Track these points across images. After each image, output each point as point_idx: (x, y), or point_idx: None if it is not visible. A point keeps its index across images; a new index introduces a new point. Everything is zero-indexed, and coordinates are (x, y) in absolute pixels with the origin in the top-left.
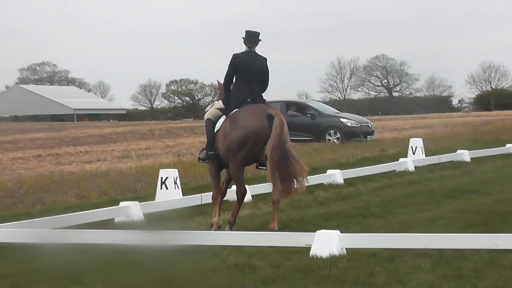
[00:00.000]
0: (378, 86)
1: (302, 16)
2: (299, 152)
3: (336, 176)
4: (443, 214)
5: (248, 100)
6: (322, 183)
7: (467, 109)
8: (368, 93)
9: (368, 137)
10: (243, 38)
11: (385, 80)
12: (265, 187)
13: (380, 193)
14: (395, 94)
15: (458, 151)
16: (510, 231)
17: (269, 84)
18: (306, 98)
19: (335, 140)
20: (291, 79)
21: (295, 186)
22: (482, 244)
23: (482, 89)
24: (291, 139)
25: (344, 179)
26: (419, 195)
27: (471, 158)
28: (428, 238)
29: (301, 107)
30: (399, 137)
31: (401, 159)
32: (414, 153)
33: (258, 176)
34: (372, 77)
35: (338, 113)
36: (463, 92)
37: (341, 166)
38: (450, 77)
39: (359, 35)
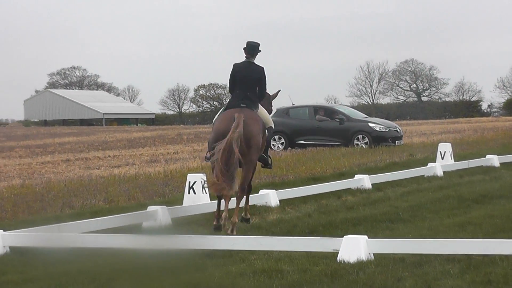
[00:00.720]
0: (407, 90)
1: (331, 20)
2: (327, 156)
3: (364, 181)
4: (472, 219)
5: (242, 105)
6: (350, 188)
7: (496, 113)
8: (397, 98)
9: (396, 142)
10: (244, 48)
11: (414, 85)
12: (293, 192)
13: (409, 198)
14: (424, 98)
15: (488, 156)
16: None
17: (266, 90)
18: (335, 103)
19: (363, 145)
20: (319, 84)
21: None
22: (511, 250)
23: None
24: (320, 144)
25: (372, 184)
26: (447, 200)
27: (500, 163)
28: (456, 244)
29: (329, 112)
30: (428, 142)
31: (429, 164)
32: (442, 158)
33: (286, 181)
34: (401, 82)
35: (366, 117)
36: (492, 96)
37: (369, 171)
38: (480, 82)
39: (388, 39)
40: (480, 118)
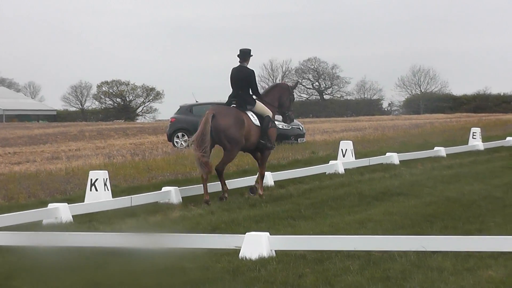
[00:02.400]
0: (310, 88)
1: (235, 18)
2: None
3: (266, 178)
4: (372, 216)
5: (233, 102)
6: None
7: (397, 112)
8: (300, 96)
9: (299, 139)
10: (237, 55)
11: (317, 83)
12: (197, 189)
13: (311, 196)
14: (326, 97)
15: (388, 154)
16: (437, 233)
17: (258, 89)
18: None
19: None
20: (222, 82)
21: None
22: (409, 246)
23: (411, 92)
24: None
25: (275, 181)
26: (348, 198)
27: (400, 161)
28: (356, 240)
29: None
30: (330, 139)
31: (331, 162)
32: (344, 156)
33: (189, 178)
34: (304, 80)
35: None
36: (393, 95)
37: (272, 168)
38: (381, 81)
39: (292, 37)
40: (381, 117)
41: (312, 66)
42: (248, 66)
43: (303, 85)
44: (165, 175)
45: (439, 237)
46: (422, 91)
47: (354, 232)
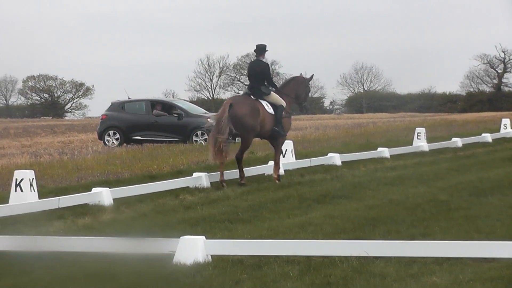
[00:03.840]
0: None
1: (169, 10)
2: (165, 153)
3: (203, 179)
4: (313, 219)
5: (249, 93)
6: (188, 187)
7: (339, 111)
8: (238, 93)
9: (237, 138)
10: (254, 50)
11: None
12: (129, 190)
13: (249, 197)
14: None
15: (329, 155)
16: (379, 237)
17: (273, 81)
18: (173, 97)
19: (202, 141)
20: (157, 77)
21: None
22: (351, 251)
23: (354, 90)
24: (157, 140)
25: (211, 182)
26: (288, 200)
27: (342, 162)
28: (296, 245)
29: (167, 107)
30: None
31: (270, 162)
32: (284, 156)
33: (121, 179)
34: (242, 76)
35: (206, 113)
36: (335, 93)
37: (209, 169)
38: (322, 78)
39: (229, 31)
40: (322, 116)
41: None
42: (263, 59)
43: (241, 82)
44: (96, 175)
45: (382, 242)
46: (365, 89)
47: (294, 236)
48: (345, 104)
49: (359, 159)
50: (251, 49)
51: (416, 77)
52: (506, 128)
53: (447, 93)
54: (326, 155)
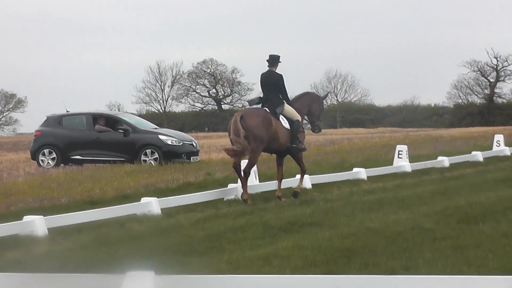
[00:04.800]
0: (205, 96)
1: (111, 9)
2: (109, 175)
3: (152, 205)
4: (279, 251)
5: (265, 106)
6: (136, 214)
7: (309, 126)
8: (193, 105)
9: (192, 158)
10: (266, 60)
11: (214, 90)
12: (66, 218)
13: (205, 226)
14: (225, 106)
15: (298, 176)
16: (355, 271)
17: (287, 93)
18: (118, 111)
19: (152, 161)
20: (100, 87)
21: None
22: (323, 287)
23: (327, 102)
24: (99, 159)
25: (162, 209)
26: (251, 228)
27: (312, 184)
28: (259, 280)
29: (111, 121)
30: (229, 158)
31: (230, 185)
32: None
33: (57, 205)
34: (198, 86)
35: (156, 128)
36: None
37: (159, 193)
38: (290, 87)
39: (184, 34)
40: None
41: (208, 70)
42: (276, 71)
43: (197, 92)
44: (28, 201)
45: (358, 277)
46: (339, 100)
47: (257, 270)
48: None
49: (332, 181)
50: (208, 54)
51: (397, 86)
52: (499, 145)
53: (432, 105)
54: (294, 176)
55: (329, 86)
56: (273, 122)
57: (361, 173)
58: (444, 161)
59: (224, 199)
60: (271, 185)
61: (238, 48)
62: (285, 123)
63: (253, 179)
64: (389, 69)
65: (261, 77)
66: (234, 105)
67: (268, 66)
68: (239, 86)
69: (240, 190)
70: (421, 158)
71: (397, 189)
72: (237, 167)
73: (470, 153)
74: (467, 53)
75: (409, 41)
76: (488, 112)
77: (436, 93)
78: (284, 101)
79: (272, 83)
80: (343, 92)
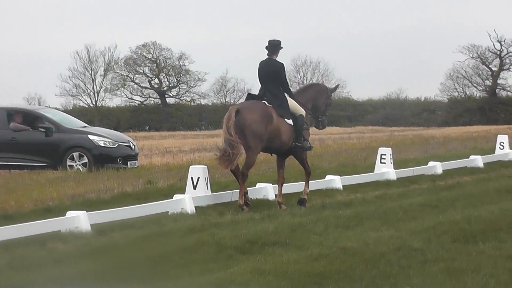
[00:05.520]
0: (146, 88)
1: None
2: (27, 184)
3: (80, 220)
4: (235, 276)
5: (264, 98)
6: (60, 231)
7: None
8: (131, 99)
9: (129, 162)
10: (266, 47)
11: (156, 80)
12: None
13: (146, 246)
14: (170, 100)
15: (259, 185)
16: None
17: (288, 85)
18: (39, 105)
19: (80, 167)
20: (17, 77)
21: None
22: None
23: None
24: (15, 164)
25: (92, 225)
26: (201, 249)
27: (275, 195)
28: None
29: (30, 118)
30: (175, 163)
31: (176, 196)
32: (195, 187)
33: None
34: (137, 75)
35: (86, 127)
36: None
37: (89, 205)
38: (249, 78)
39: (119, 13)
40: None
41: (150, 55)
42: (277, 59)
43: (136, 83)
44: None
45: None
46: None
47: None
48: None
49: (299, 190)
50: (150, 36)
51: (379, 76)
52: (503, 148)
53: (422, 98)
54: (255, 185)
55: (297, 76)
56: (274, 117)
57: (335, 181)
58: (436, 167)
59: (169, 213)
60: (226, 195)
61: (187, 29)
62: (288, 119)
63: (203, 188)
64: (370, 56)
65: (259, 66)
66: (182, 98)
67: (267, 54)
68: (188, 76)
69: (190, 202)
70: (409, 164)
71: (379, 200)
72: (236, 171)
73: (468, 157)
74: (465, 37)
75: (395, 22)
76: (489, 108)
77: (427, 84)
78: (285, 94)
79: (273, 72)
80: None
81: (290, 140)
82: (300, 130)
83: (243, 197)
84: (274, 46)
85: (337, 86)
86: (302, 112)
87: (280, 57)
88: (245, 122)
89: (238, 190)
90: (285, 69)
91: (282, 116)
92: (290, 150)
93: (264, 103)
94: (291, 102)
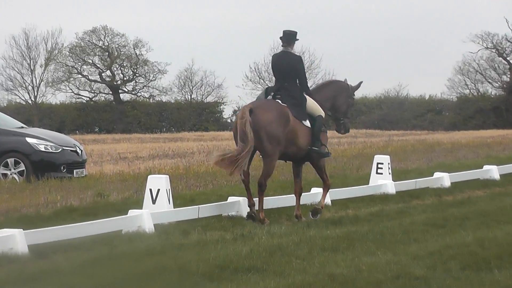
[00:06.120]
0: (96, 81)
1: None
2: None
3: (16, 239)
4: None
5: (277, 96)
6: None
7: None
8: (78, 94)
9: (75, 171)
10: (280, 37)
11: (108, 72)
12: None
13: (95, 272)
14: (125, 97)
15: (231, 199)
16: None
17: (307, 81)
18: None
19: (16, 176)
20: None
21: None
22: None
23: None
24: None
25: (29, 246)
26: (162, 275)
27: (257, 210)
28: None
29: None
30: (130, 172)
31: (132, 212)
32: (154, 202)
33: None
34: (85, 66)
35: (23, 128)
36: (241, 96)
37: (27, 223)
38: (220, 70)
39: None
40: (219, 133)
41: (100, 43)
42: (293, 51)
43: (83, 75)
44: None
45: None
46: None
47: None
48: None
49: (280, 206)
50: (100, 20)
51: (376, 70)
52: None
53: (427, 97)
54: (226, 199)
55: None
56: (290, 118)
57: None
58: (443, 178)
59: (123, 232)
60: (192, 211)
61: (144, 12)
62: (306, 121)
63: (164, 203)
64: (364, 46)
65: (272, 59)
66: (139, 94)
67: (282, 46)
68: (146, 67)
69: (148, 219)
70: (410, 175)
71: (374, 218)
72: (246, 177)
73: (481, 167)
74: (477, 24)
75: (394, 6)
76: (507, 108)
77: (432, 80)
78: (304, 92)
79: (288, 67)
80: None
81: (307, 145)
82: (318, 133)
83: (251, 208)
84: (289, 37)
85: (360, 83)
86: (321, 112)
87: (259, 46)
88: (259, 123)
89: (247, 199)
90: (303, 63)
91: (298, 117)
92: (306, 156)
93: (278, 101)
94: (310, 101)
